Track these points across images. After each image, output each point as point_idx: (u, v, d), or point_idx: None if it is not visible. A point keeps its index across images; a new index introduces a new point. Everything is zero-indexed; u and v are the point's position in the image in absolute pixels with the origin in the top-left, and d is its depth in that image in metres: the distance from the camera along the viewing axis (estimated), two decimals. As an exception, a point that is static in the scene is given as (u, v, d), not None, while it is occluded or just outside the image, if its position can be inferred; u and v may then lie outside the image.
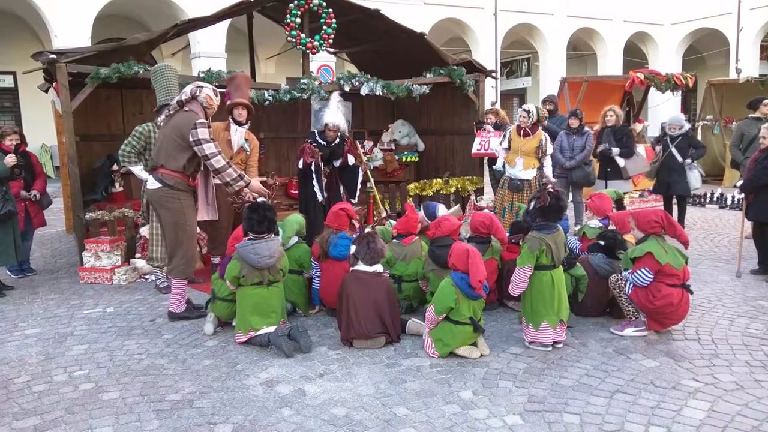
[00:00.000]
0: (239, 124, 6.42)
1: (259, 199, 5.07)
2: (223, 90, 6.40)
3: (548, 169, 7.24)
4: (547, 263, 4.32)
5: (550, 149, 7.20)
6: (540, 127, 7.33)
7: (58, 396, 3.78)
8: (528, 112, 7.14)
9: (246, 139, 6.50)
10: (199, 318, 5.10)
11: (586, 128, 8.33)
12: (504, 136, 7.48)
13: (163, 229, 5.15)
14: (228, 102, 6.42)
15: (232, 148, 6.39)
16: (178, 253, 5.02)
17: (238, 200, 5.29)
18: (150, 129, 6.06)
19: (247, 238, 4.70)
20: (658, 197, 9.21)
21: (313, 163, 6.62)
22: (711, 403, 3.53)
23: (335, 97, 6.86)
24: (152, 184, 4.99)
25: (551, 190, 4.44)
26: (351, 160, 6.96)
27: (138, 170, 6.07)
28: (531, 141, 7.09)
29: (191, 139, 4.78)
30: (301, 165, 6.71)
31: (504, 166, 7.41)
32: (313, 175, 6.67)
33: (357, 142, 7.88)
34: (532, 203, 4.53)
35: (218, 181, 5.33)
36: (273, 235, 4.70)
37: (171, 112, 4.99)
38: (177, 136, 4.87)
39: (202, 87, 4.98)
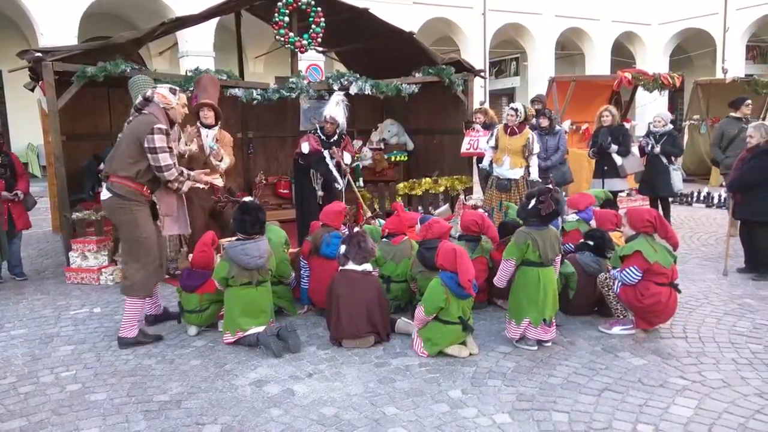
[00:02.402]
0: (207, 126, 6.19)
1: (246, 198, 5.02)
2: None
3: (534, 168, 7.25)
4: (534, 259, 4.33)
5: (536, 148, 7.22)
6: (527, 126, 7.35)
7: (45, 397, 3.75)
8: (516, 110, 7.16)
9: (216, 140, 6.27)
10: (155, 342, 4.64)
11: (558, 128, 8.37)
12: (491, 135, 7.48)
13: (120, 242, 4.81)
14: (194, 104, 6.32)
15: (205, 153, 6.22)
16: (134, 269, 4.53)
17: (223, 198, 5.23)
18: None
19: (235, 238, 4.68)
20: (644, 197, 9.26)
21: (325, 153, 6.68)
22: (698, 401, 3.55)
23: (338, 95, 6.90)
24: (104, 194, 4.56)
25: (553, 192, 4.42)
26: (347, 158, 6.96)
27: None
28: (518, 140, 7.11)
29: (146, 146, 4.35)
30: (306, 149, 6.70)
31: (491, 165, 7.42)
32: (328, 163, 6.75)
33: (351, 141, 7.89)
34: (532, 201, 4.45)
35: (192, 184, 5.15)
36: (261, 235, 4.67)
37: (130, 119, 4.61)
38: (133, 141, 4.43)
39: (155, 87, 4.65)
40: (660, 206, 8.25)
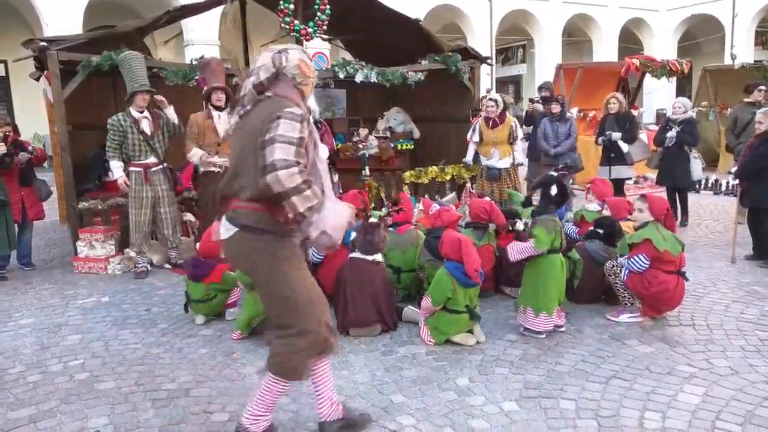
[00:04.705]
0: (219, 109, 6.37)
1: None
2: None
3: (519, 154, 7.40)
4: (558, 246, 4.33)
5: (520, 134, 7.35)
6: (508, 114, 7.43)
7: (53, 386, 3.77)
8: (495, 101, 7.26)
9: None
10: None
11: (568, 114, 8.32)
12: (473, 130, 7.52)
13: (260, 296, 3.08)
14: (204, 88, 6.40)
15: (219, 135, 6.37)
16: (289, 331, 2.87)
17: None
18: (120, 119, 6.11)
19: None
20: (653, 184, 9.18)
21: None
22: (706, 388, 3.54)
23: None
24: (226, 229, 2.87)
25: (563, 173, 4.41)
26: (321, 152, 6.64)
27: (116, 166, 6.15)
28: (502, 130, 7.22)
29: (266, 137, 2.64)
30: None
31: (477, 158, 7.49)
32: None
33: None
34: (552, 188, 4.38)
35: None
36: None
37: (247, 107, 2.87)
38: (254, 138, 2.74)
39: (286, 51, 2.90)
40: (678, 196, 8.03)
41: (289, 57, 2.87)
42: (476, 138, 7.37)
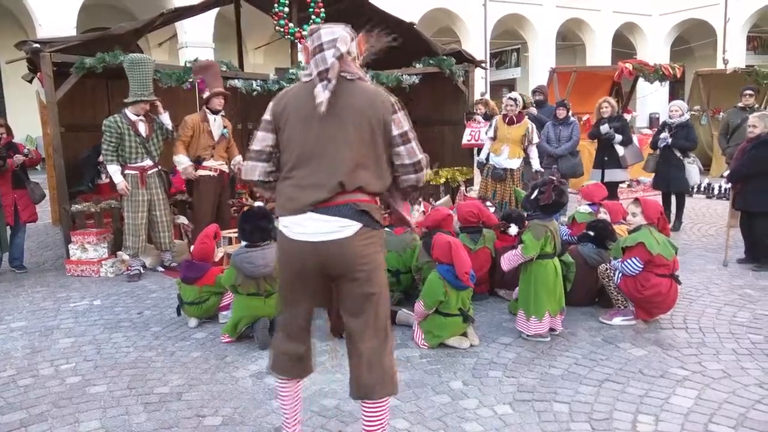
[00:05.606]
0: (216, 112, 6.44)
1: (257, 204, 4.95)
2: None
3: (534, 160, 7.30)
4: (550, 251, 4.30)
5: (536, 138, 7.25)
6: (526, 116, 7.38)
7: (45, 390, 3.74)
8: (514, 100, 7.20)
9: (224, 126, 6.59)
10: None
11: (572, 118, 8.35)
12: (490, 125, 7.49)
13: (360, 309, 2.64)
14: (207, 92, 6.39)
15: (214, 138, 6.41)
16: (388, 350, 2.68)
17: (237, 203, 5.18)
18: (117, 120, 6.07)
19: (242, 244, 4.55)
20: (647, 187, 9.20)
21: None
22: (698, 391, 3.54)
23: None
24: (344, 225, 2.51)
25: (556, 183, 4.37)
26: None
27: (114, 170, 6.11)
28: (518, 129, 7.14)
29: (395, 132, 2.57)
30: None
31: (488, 156, 7.43)
32: None
33: None
34: (534, 193, 4.39)
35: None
36: (271, 242, 4.41)
37: (331, 85, 2.47)
38: (369, 128, 2.53)
39: (347, 26, 2.67)
40: (675, 200, 8.00)
41: (350, 32, 2.65)
42: (491, 133, 7.34)
